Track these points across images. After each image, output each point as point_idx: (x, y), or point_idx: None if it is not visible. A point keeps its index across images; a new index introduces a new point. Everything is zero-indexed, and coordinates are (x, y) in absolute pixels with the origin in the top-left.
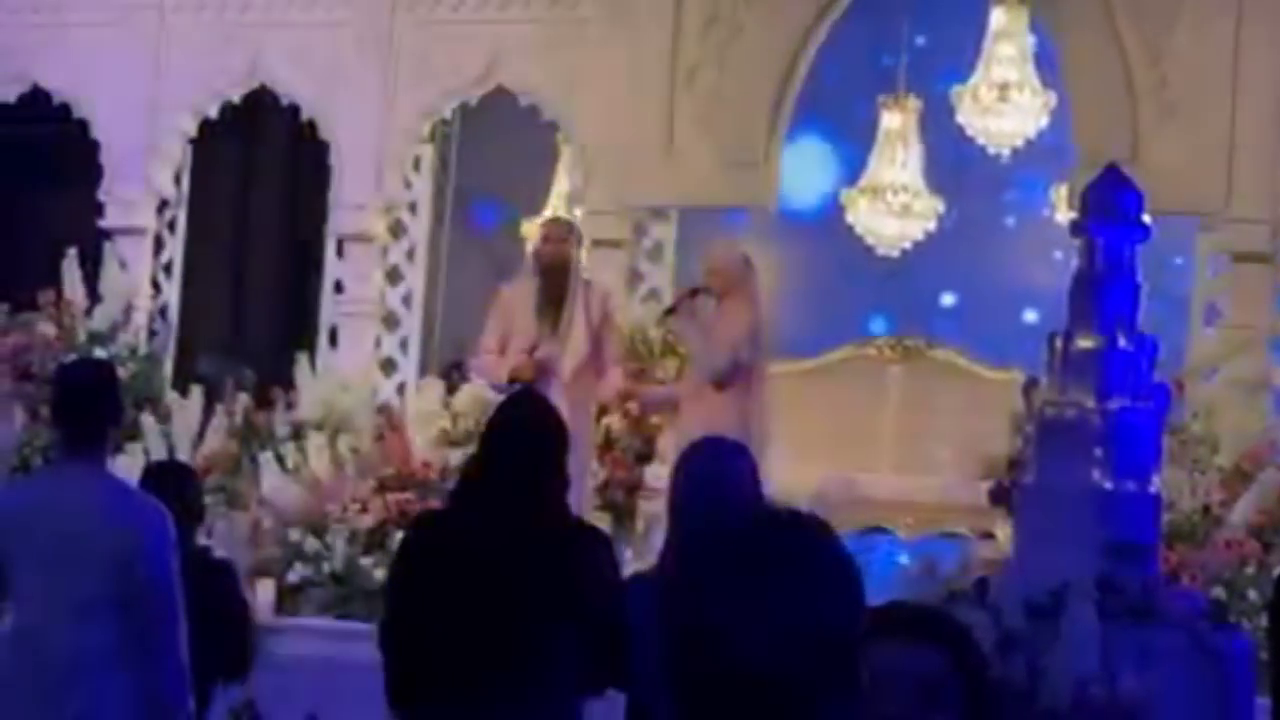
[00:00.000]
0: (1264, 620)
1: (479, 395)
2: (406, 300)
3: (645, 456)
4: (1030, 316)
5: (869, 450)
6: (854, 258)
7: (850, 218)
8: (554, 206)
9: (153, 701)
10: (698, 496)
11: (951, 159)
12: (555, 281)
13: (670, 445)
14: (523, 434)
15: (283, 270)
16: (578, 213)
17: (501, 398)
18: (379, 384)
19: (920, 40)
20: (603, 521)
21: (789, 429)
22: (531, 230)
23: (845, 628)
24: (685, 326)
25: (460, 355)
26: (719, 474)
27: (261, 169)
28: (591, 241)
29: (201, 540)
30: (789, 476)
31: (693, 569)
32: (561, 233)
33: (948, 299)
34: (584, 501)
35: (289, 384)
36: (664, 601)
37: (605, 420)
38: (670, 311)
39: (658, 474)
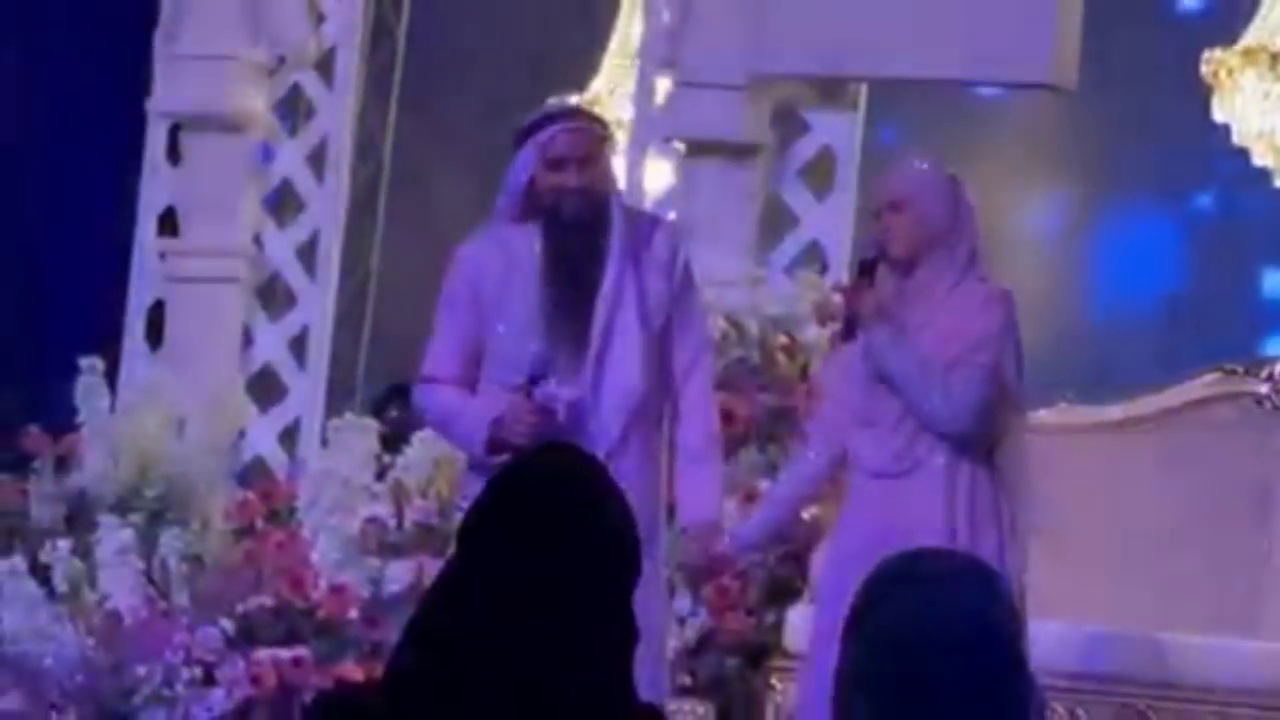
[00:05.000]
0: None
1: (450, 451)
2: (307, 254)
3: (787, 589)
4: None
5: (1244, 591)
6: (1226, 194)
7: (1220, 110)
8: (613, 77)
9: None
10: (889, 682)
11: None
12: (586, 242)
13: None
14: (558, 535)
15: (55, 189)
16: (664, 87)
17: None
18: (248, 422)
19: None
20: None
21: (1074, 539)
22: None
23: None
24: (886, 341)
25: (411, 372)
26: (948, 634)
27: None
28: (687, 146)
29: None
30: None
31: None
32: (592, 140)
33: None
34: (660, 679)
35: (65, 419)
36: None
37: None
38: (849, 322)
39: (807, 628)
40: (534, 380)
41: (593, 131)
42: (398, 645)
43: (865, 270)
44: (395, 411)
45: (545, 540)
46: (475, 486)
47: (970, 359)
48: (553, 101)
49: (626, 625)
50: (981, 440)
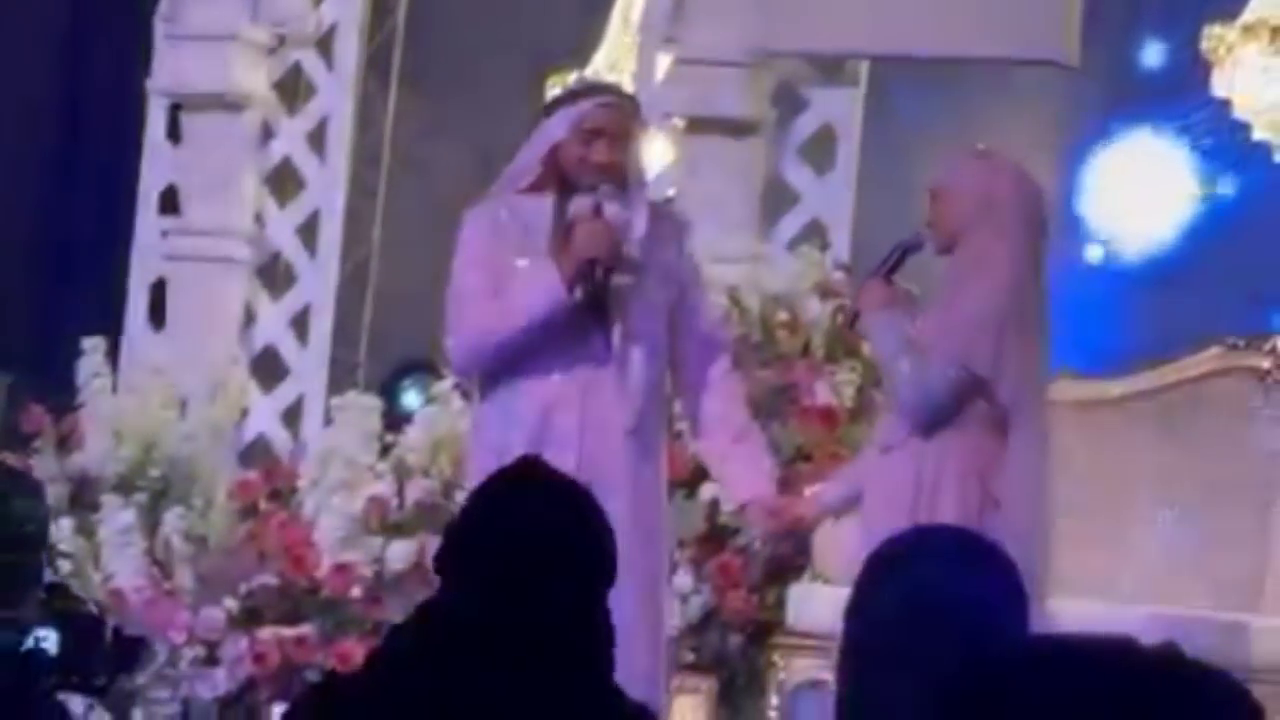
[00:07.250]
0: None
1: (452, 430)
2: (308, 233)
3: (789, 567)
4: None
5: (1246, 567)
6: (1226, 169)
7: (1220, 85)
8: (613, 54)
9: None
10: (884, 653)
11: None
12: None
13: (839, 544)
14: (536, 547)
15: (56, 170)
16: (664, 62)
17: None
18: (250, 401)
19: None
20: (696, 700)
21: (1074, 515)
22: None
23: None
24: (877, 327)
25: (419, 349)
26: (932, 606)
27: None
28: (688, 123)
29: None
30: (1086, 610)
31: None
32: (628, 119)
33: None
34: (660, 674)
35: (67, 398)
36: None
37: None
38: (854, 316)
39: (809, 606)
40: (600, 205)
41: (630, 110)
42: (387, 638)
43: (896, 253)
44: (404, 389)
45: (523, 563)
46: (483, 466)
47: (935, 345)
48: (588, 75)
49: (604, 629)
50: (944, 422)
